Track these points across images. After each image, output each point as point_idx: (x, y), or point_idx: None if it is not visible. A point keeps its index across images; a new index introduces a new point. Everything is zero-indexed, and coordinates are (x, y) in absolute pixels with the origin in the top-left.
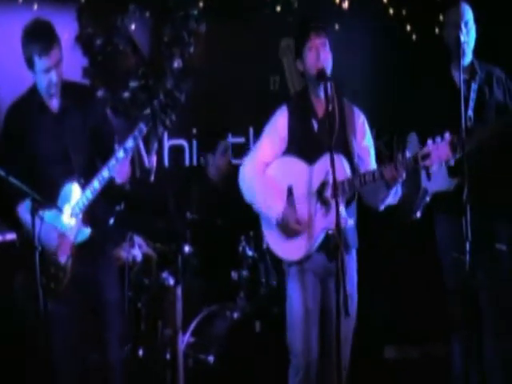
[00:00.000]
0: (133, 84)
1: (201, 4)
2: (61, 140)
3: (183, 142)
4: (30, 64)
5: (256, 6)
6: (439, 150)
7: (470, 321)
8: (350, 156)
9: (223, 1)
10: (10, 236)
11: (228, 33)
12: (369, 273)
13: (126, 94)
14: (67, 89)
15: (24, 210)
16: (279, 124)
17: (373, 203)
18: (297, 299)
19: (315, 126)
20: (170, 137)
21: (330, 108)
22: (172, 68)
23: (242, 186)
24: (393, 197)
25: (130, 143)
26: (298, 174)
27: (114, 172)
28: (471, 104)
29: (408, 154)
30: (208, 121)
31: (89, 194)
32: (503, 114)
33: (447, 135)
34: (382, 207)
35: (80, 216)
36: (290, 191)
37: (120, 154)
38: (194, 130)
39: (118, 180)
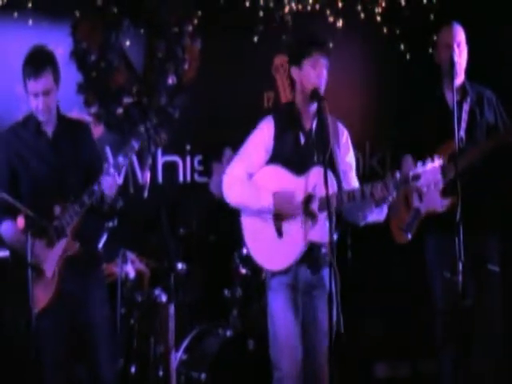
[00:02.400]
0: (126, 100)
1: (195, 20)
2: (54, 163)
3: (177, 159)
4: (25, 86)
5: (250, 22)
6: (429, 173)
7: (460, 341)
8: (335, 171)
9: (218, 17)
10: (3, 253)
11: (222, 49)
12: (359, 289)
13: (120, 110)
14: (62, 121)
15: (8, 226)
16: (265, 135)
17: (354, 219)
18: (279, 314)
19: (302, 138)
20: (164, 153)
21: (322, 126)
22: (166, 84)
23: (228, 189)
24: (377, 215)
25: (120, 160)
26: (286, 183)
27: (105, 186)
28: (463, 125)
29: (398, 174)
30: (202, 137)
31: (77, 208)
32: (493, 135)
33: (437, 159)
34: (362, 224)
35: (68, 231)
36: None
37: (110, 170)
38: (188, 147)
39: (106, 191)
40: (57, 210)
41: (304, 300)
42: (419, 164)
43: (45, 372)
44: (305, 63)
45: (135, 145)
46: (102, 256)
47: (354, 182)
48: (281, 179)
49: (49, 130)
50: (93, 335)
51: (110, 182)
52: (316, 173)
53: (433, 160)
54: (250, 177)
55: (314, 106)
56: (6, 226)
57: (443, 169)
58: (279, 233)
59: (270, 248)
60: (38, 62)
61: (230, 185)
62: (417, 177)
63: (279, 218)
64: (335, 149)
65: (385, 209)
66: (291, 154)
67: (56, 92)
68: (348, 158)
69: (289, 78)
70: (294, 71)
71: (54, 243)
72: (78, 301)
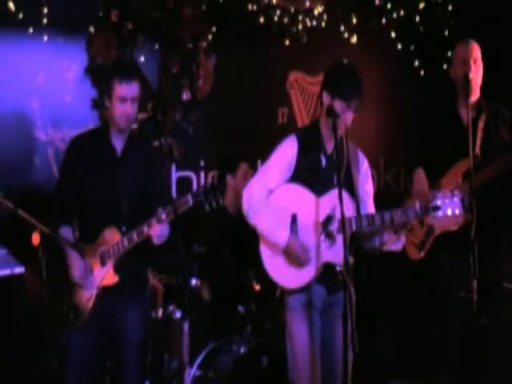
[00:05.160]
0: (141, 116)
1: (210, 36)
2: (117, 182)
3: (191, 174)
4: (108, 91)
5: (265, 39)
6: (449, 204)
7: (475, 359)
8: (354, 195)
9: (232, 33)
10: (19, 270)
11: (236, 65)
12: (373, 307)
13: (134, 126)
14: (134, 138)
15: (65, 231)
16: (288, 154)
17: (371, 245)
18: (298, 333)
19: (323, 161)
20: (178, 169)
21: (336, 143)
22: (180, 100)
23: (248, 208)
24: (395, 244)
25: (163, 215)
26: (305, 203)
27: (153, 232)
28: (478, 142)
29: (418, 206)
30: (216, 153)
31: (126, 242)
32: (507, 152)
33: (457, 192)
34: (378, 251)
35: (113, 262)
36: (293, 219)
37: (163, 216)
38: (202, 162)
39: (155, 241)
40: (107, 235)
41: (322, 319)
42: (439, 195)
43: None
44: (338, 101)
45: (190, 200)
46: (145, 282)
47: (371, 210)
48: (301, 198)
49: (118, 145)
50: (124, 356)
51: (160, 232)
52: (335, 194)
53: (452, 193)
54: (270, 193)
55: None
56: (63, 230)
57: (463, 201)
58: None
59: (287, 266)
60: (130, 69)
61: (253, 206)
62: (436, 208)
63: (286, 256)
64: (355, 174)
65: (402, 238)
66: (312, 175)
67: (137, 106)
68: (367, 186)
69: (304, 95)
70: (326, 97)
71: (96, 269)
72: (111, 324)
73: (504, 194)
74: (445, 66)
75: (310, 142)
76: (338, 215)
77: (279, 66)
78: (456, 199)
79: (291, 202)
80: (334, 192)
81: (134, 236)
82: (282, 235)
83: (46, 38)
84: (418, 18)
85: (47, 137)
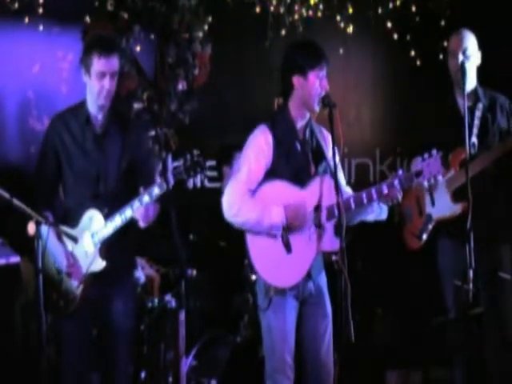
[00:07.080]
0: (136, 106)
1: (206, 26)
2: (96, 160)
3: None
4: (87, 68)
5: (261, 29)
6: (430, 166)
7: (472, 349)
8: (334, 176)
9: (228, 23)
10: (14, 259)
11: (232, 55)
12: (370, 298)
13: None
14: (114, 114)
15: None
16: (264, 148)
17: (357, 219)
18: (282, 330)
19: (298, 147)
20: (174, 159)
21: (332, 133)
22: (176, 90)
23: (233, 214)
24: (380, 214)
25: (155, 190)
26: (291, 199)
27: (137, 214)
28: (475, 131)
29: (401, 172)
30: (212, 143)
31: (110, 228)
32: (504, 139)
33: (434, 152)
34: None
35: (98, 247)
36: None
37: (145, 198)
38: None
39: (142, 224)
40: (88, 218)
41: (302, 309)
42: (419, 159)
43: (61, 375)
44: (311, 73)
45: (171, 179)
46: (132, 267)
47: (343, 182)
48: (286, 195)
49: (98, 121)
50: (112, 346)
51: (144, 214)
52: (318, 183)
53: (430, 154)
54: (252, 194)
55: (307, 115)
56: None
57: (442, 159)
58: (288, 249)
59: (279, 265)
60: (108, 44)
61: (237, 205)
62: (419, 173)
63: (288, 231)
64: (326, 151)
65: (385, 208)
66: (290, 165)
67: (116, 81)
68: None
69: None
70: (298, 80)
71: (81, 255)
72: (101, 311)
73: (501, 183)
74: (441, 56)
75: (282, 131)
76: (324, 204)
77: (276, 55)
78: (434, 159)
79: (277, 201)
80: (317, 181)
81: (118, 220)
82: (278, 211)
83: (41, 27)
84: (414, 8)
85: (43, 126)
